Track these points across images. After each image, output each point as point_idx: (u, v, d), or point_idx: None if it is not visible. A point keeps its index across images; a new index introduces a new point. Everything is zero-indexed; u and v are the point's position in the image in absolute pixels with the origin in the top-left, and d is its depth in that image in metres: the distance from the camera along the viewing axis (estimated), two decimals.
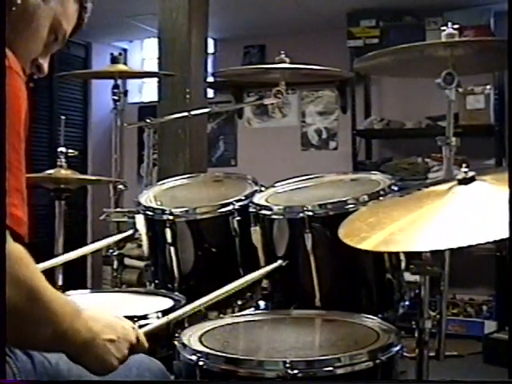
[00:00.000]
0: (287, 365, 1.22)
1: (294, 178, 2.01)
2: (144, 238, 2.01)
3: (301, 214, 1.67)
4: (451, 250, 1.53)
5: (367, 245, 1.26)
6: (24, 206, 0.96)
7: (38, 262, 1.03)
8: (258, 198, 1.85)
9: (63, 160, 2.70)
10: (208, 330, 1.48)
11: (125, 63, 4.11)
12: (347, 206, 1.67)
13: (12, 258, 0.92)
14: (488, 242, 1.12)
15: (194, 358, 1.30)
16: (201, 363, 1.29)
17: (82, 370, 1.18)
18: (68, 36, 1.25)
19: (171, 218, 1.87)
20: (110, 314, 1.18)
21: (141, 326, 1.27)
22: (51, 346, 1.05)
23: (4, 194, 0.89)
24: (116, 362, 1.11)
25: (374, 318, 1.52)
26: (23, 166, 0.97)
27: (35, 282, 0.96)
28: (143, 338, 1.21)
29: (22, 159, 0.97)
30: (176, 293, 1.80)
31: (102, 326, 1.10)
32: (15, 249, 0.93)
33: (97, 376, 1.11)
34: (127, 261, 3.75)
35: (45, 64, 1.22)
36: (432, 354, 1.57)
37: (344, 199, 1.69)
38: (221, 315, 1.78)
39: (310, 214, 1.66)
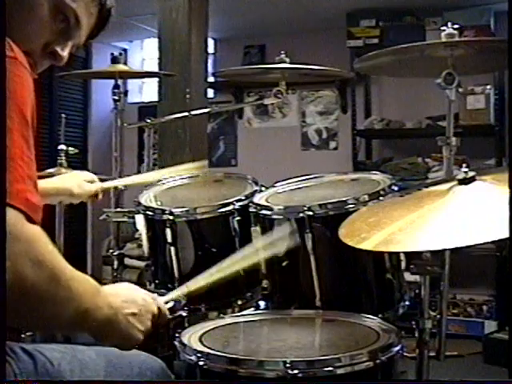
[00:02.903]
0: (287, 365, 1.22)
1: (294, 178, 2.01)
2: (144, 237, 2.01)
3: (301, 214, 1.67)
4: (451, 250, 1.53)
5: (367, 245, 1.26)
6: (37, 194, 0.95)
7: None
8: (258, 198, 1.85)
9: (63, 158, 2.71)
10: (208, 330, 1.48)
11: (125, 63, 4.11)
12: (347, 206, 1.66)
13: (32, 238, 0.91)
14: (488, 242, 1.12)
15: (194, 358, 1.30)
16: (201, 363, 1.29)
17: (84, 370, 1.18)
18: (86, 28, 1.18)
19: (171, 217, 1.87)
20: (129, 287, 1.18)
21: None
22: (73, 327, 1.03)
23: (4, 193, 0.89)
24: (140, 335, 1.11)
25: (374, 317, 1.52)
26: (33, 156, 0.97)
27: (56, 262, 0.94)
28: (165, 308, 1.21)
29: (32, 148, 0.97)
30: None
31: (122, 300, 1.09)
32: (33, 229, 0.92)
33: (123, 351, 1.11)
34: (127, 261, 3.75)
35: (62, 52, 1.16)
36: (432, 354, 1.57)
37: (344, 199, 1.69)
38: (221, 315, 1.79)
39: (310, 213, 1.66)
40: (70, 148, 2.73)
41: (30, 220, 0.92)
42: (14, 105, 0.93)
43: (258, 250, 1.50)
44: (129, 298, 1.11)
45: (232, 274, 1.40)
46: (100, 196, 2.08)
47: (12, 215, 0.89)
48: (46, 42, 1.14)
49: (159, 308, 1.19)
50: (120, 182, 2.34)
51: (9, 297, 0.87)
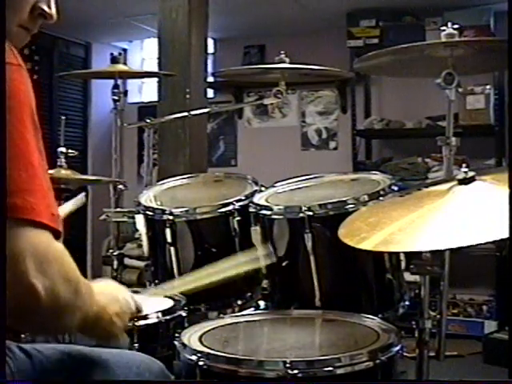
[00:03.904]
0: (287, 365, 1.22)
1: (293, 178, 2.01)
2: (144, 238, 2.01)
3: (301, 214, 1.67)
4: (451, 249, 1.53)
5: (367, 245, 1.26)
6: (56, 203, 0.99)
7: None
8: (258, 198, 1.85)
9: (63, 160, 2.70)
10: (208, 330, 1.48)
11: (125, 63, 4.11)
12: (347, 206, 1.67)
13: (60, 257, 0.96)
14: (488, 242, 1.12)
15: (194, 357, 1.30)
16: (201, 363, 1.29)
17: (82, 370, 1.19)
18: None
19: (171, 218, 1.87)
20: (111, 285, 1.22)
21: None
22: (78, 329, 1.07)
23: (4, 192, 0.89)
24: (119, 333, 1.16)
25: (374, 318, 1.52)
26: (46, 164, 0.99)
27: (77, 276, 0.99)
28: (140, 304, 1.27)
29: (44, 156, 0.98)
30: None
31: (108, 299, 1.13)
32: (60, 248, 0.96)
33: (102, 344, 1.18)
34: (127, 261, 3.76)
35: (49, 9, 1.11)
36: (432, 354, 1.57)
37: (344, 199, 1.69)
38: (221, 315, 1.79)
39: (310, 213, 1.66)
40: (70, 150, 2.72)
41: (56, 233, 0.95)
42: (26, 114, 0.94)
43: (240, 263, 1.55)
44: (113, 297, 1.16)
45: (209, 284, 1.50)
46: None
47: (41, 235, 0.92)
48: (32, 6, 1.09)
49: (137, 307, 1.25)
50: None
51: (39, 311, 0.91)
